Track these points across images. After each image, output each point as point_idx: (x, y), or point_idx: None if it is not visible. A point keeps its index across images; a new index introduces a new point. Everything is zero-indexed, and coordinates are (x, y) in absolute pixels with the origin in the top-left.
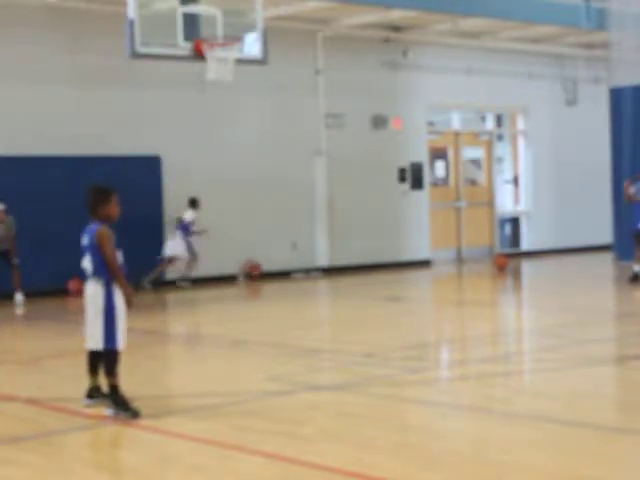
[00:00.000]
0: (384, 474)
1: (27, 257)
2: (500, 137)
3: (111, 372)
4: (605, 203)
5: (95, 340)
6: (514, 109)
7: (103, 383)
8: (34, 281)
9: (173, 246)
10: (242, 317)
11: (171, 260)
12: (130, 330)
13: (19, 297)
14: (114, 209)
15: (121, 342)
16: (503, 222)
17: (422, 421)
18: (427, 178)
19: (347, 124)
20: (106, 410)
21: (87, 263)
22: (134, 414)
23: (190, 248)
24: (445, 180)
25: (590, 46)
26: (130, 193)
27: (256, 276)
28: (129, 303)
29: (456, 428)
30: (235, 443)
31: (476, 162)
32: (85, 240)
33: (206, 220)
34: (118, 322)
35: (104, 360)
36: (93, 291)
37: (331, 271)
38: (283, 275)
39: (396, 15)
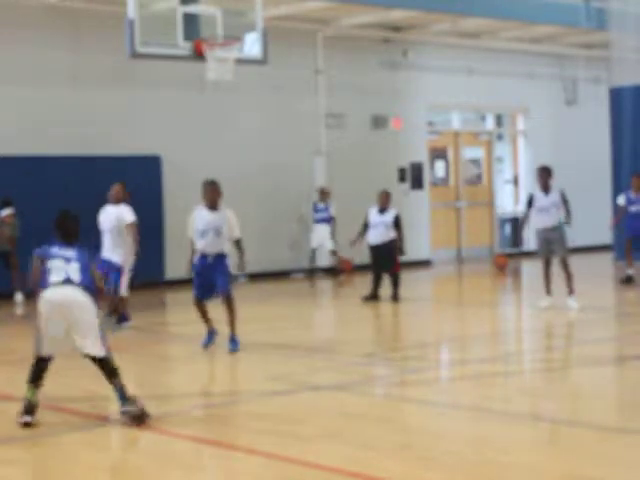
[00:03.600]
0: (384, 474)
1: (27, 257)
2: (500, 137)
3: None
4: (605, 203)
5: None
6: (514, 109)
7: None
8: None
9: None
10: (242, 317)
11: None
12: (130, 329)
13: (19, 297)
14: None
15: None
16: (503, 222)
17: (422, 421)
18: (427, 178)
19: (347, 124)
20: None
21: None
22: None
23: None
24: (445, 180)
25: (590, 46)
26: (130, 193)
27: (347, 271)
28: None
29: (456, 428)
30: (235, 443)
31: (476, 162)
32: None
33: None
34: None
35: None
36: None
37: (331, 271)
38: (283, 275)
39: (396, 15)
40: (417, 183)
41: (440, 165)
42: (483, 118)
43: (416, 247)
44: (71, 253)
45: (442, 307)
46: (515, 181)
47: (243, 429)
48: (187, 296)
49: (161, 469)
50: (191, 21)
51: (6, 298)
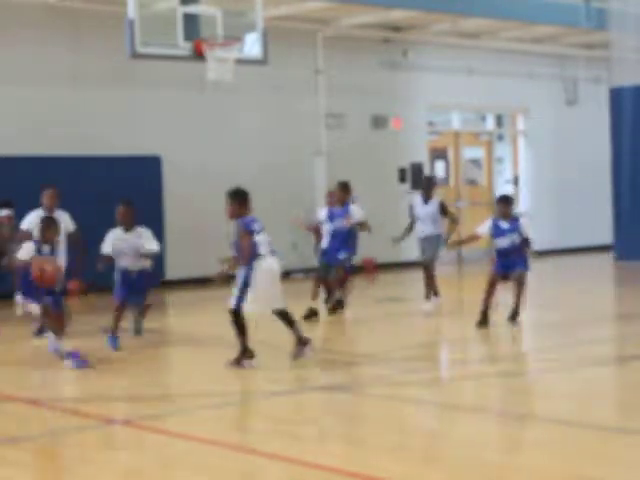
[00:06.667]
0: (384, 474)
1: None
2: (500, 137)
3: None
4: (605, 203)
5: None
6: (514, 109)
7: None
8: None
9: None
10: None
11: None
12: (130, 330)
13: (20, 298)
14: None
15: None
16: None
17: (422, 421)
18: None
19: (347, 124)
20: None
21: None
22: None
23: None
24: (445, 180)
25: (590, 46)
26: (130, 193)
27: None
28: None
29: (456, 428)
30: (236, 443)
31: (476, 162)
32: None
33: (205, 220)
34: None
35: None
36: None
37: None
38: (283, 275)
39: (396, 15)
40: (417, 183)
41: (440, 165)
42: (483, 118)
43: (416, 247)
44: None
45: (442, 307)
46: (515, 181)
47: (243, 429)
48: (187, 296)
49: (161, 469)
50: (191, 21)
51: (6, 298)
